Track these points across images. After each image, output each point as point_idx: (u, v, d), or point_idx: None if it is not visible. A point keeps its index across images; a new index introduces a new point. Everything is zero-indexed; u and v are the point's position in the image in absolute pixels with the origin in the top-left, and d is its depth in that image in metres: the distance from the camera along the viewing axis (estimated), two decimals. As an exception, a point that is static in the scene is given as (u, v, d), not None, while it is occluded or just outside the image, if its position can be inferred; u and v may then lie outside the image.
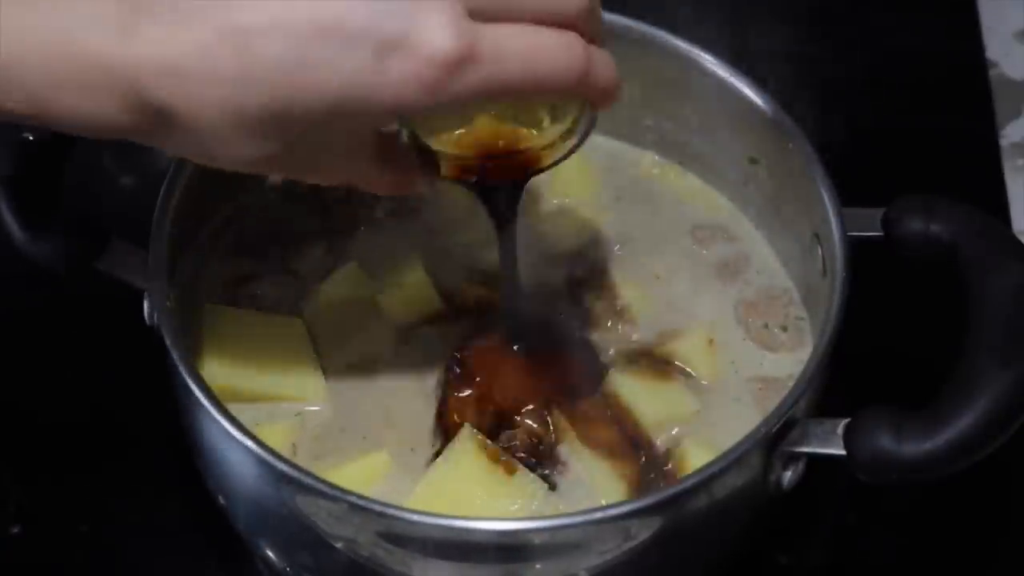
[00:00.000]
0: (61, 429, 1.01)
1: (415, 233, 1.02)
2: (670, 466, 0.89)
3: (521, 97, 0.76)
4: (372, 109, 0.67)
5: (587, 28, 0.71)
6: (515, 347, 0.92)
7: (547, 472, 0.88)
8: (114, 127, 0.68)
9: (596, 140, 1.08)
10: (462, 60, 0.65)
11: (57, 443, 1.01)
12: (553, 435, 0.90)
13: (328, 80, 0.65)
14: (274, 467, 0.78)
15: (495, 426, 0.89)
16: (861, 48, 1.32)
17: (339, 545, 0.81)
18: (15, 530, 0.96)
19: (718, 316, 0.98)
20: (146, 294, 0.88)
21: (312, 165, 0.76)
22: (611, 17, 1.01)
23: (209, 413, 0.81)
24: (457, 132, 0.80)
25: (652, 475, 0.89)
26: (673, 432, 0.91)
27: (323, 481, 0.78)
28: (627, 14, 1.01)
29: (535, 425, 0.90)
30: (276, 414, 0.91)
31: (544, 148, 0.81)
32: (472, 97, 0.67)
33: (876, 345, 1.05)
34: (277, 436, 0.89)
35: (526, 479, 0.88)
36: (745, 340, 0.97)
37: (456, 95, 0.67)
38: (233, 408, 0.83)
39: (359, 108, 0.67)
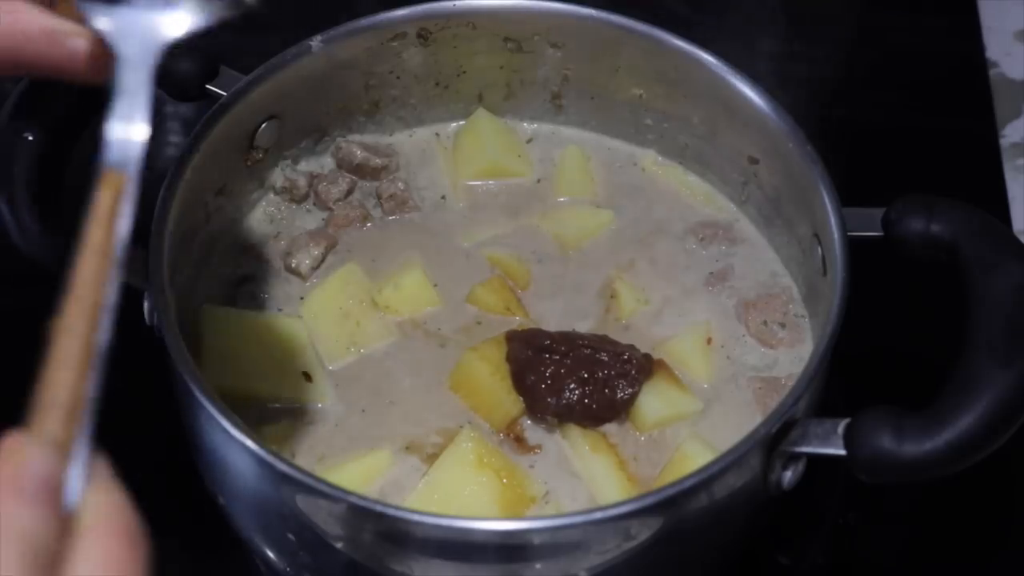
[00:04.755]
0: (61, 429, 1.01)
1: (415, 233, 1.02)
2: (669, 465, 0.89)
3: None
4: None
5: None
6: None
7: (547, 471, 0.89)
8: None
9: (597, 139, 1.09)
10: None
11: (57, 443, 1.01)
12: (558, 432, 0.91)
13: None
14: (274, 467, 0.78)
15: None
16: (861, 48, 1.32)
17: (339, 545, 0.81)
18: (15, 530, 0.96)
19: (718, 314, 0.98)
20: (146, 294, 0.88)
21: None
22: (613, 17, 1.01)
23: (209, 413, 0.81)
24: None
25: (651, 475, 0.89)
26: (673, 432, 0.91)
27: (323, 481, 0.78)
28: (627, 14, 1.01)
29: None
30: (277, 414, 0.91)
31: None
32: None
33: (876, 345, 1.05)
34: (277, 436, 0.89)
35: (526, 479, 0.88)
36: (744, 337, 0.97)
37: None
38: (233, 408, 0.83)
39: None
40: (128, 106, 0.58)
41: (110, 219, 0.53)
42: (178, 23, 0.61)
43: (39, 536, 0.43)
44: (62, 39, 0.63)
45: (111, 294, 0.51)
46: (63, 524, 0.44)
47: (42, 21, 0.63)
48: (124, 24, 0.60)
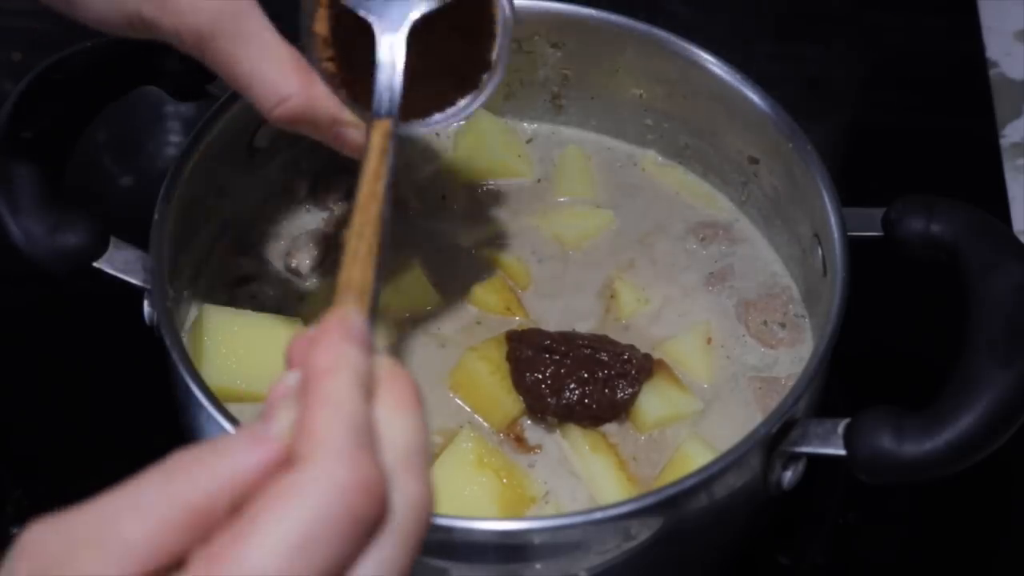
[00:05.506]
0: (61, 429, 1.01)
1: (415, 233, 1.02)
2: (669, 465, 0.89)
3: None
4: None
5: None
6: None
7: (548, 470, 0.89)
8: None
9: (597, 139, 1.09)
10: None
11: (57, 443, 1.01)
12: (558, 432, 0.91)
13: None
14: (274, 467, 0.78)
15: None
16: (861, 48, 1.32)
17: (339, 545, 0.81)
18: (15, 530, 0.96)
19: (718, 314, 0.98)
20: (146, 294, 0.88)
21: None
22: (612, 17, 1.01)
23: (209, 413, 0.80)
24: None
25: (651, 475, 0.89)
26: (673, 432, 0.91)
27: (323, 481, 0.78)
28: (627, 14, 1.01)
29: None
30: (276, 414, 0.91)
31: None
32: None
33: (876, 345, 1.05)
34: (277, 436, 0.89)
35: (526, 479, 0.88)
36: (744, 337, 0.97)
37: None
38: (233, 408, 0.83)
39: None
40: (387, 72, 0.74)
41: (382, 153, 0.67)
42: (421, 5, 0.76)
43: (363, 369, 0.53)
44: (341, 128, 0.78)
45: (387, 209, 0.65)
46: (372, 368, 0.54)
47: (331, 108, 0.77)
48: (380, 9, 0.76)
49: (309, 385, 0.52)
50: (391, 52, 0.74)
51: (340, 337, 0.54)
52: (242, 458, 0.50)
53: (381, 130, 0.69)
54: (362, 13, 0.76)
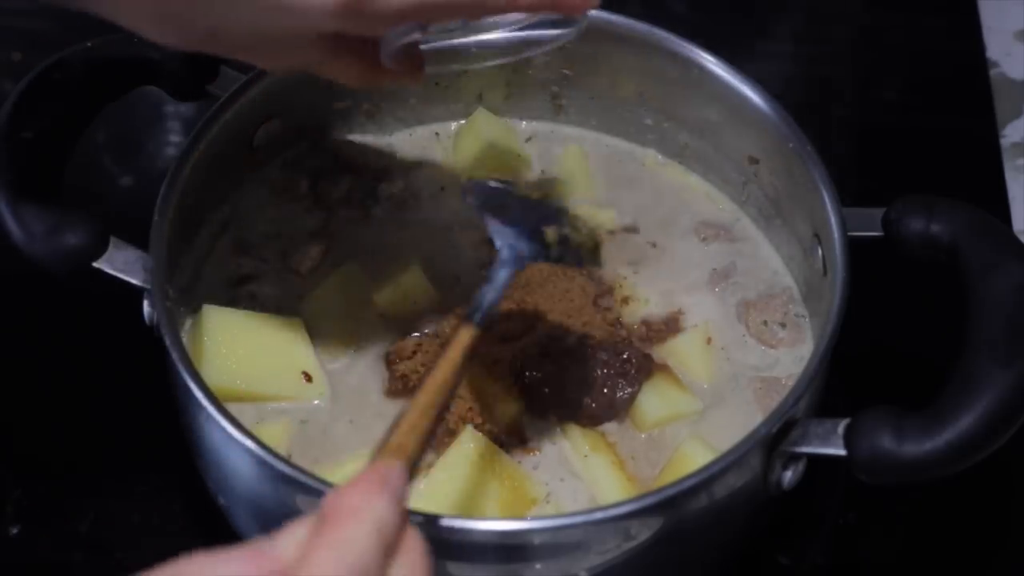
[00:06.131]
0: (61, 429, 1.01)
1: (414, 233, 1.02)
2: (669, 465, 0.89)
3: (469, 15, 0.78)
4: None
5: None
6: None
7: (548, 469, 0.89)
8: None
9: (597, 138, 1.09)
10: None
11: (57, 443, 1.01)
12: (558, 432, 0.91)
13: None
14: (274, 467, 0.78)
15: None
16: (861, 48, 1.32)
17: (339, 545, 0.81)
18: (15, 530, 0.96)
19: (718, 314, 0.98)
20: (146, 294, 0.88)
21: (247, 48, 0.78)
22: (612, 17, 1.01)
23: (209, 413, 0.81)
24: None
25: (650, 475, 0.89)
26: (673, 432, 0.91)
27: (323, 481, 0.78)
28: (627, 14, 1.01)
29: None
30: (276, 414, 0.91)
31: None
32: (396, 16, 0.72)
33: (876, 345, 1.05)
34: (277, 436, 0.89)
35: (527, 480, 0.88)
36: (744, 337, 0.97)
37: (376, 14, 0.71)
38: (233, 408, 0.83)
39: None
40: (492, 290, 0.80)
41: (463, 348, 0.74)
42: (544, 248, 0.85)
43: (388, 522, 0.54)
44: None
45: (450, 397, 0.71)
46: (403, 521, 0.56)
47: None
48: (504, 236, 0.84)
49: (328, 519, 0.53)
50: (502, 279, 0.81)
51: (374, 484, 0.55)
52: (239, 567, 0.51)
53: (470, 331, 0.76)
54: (495, 239, 0.84)
